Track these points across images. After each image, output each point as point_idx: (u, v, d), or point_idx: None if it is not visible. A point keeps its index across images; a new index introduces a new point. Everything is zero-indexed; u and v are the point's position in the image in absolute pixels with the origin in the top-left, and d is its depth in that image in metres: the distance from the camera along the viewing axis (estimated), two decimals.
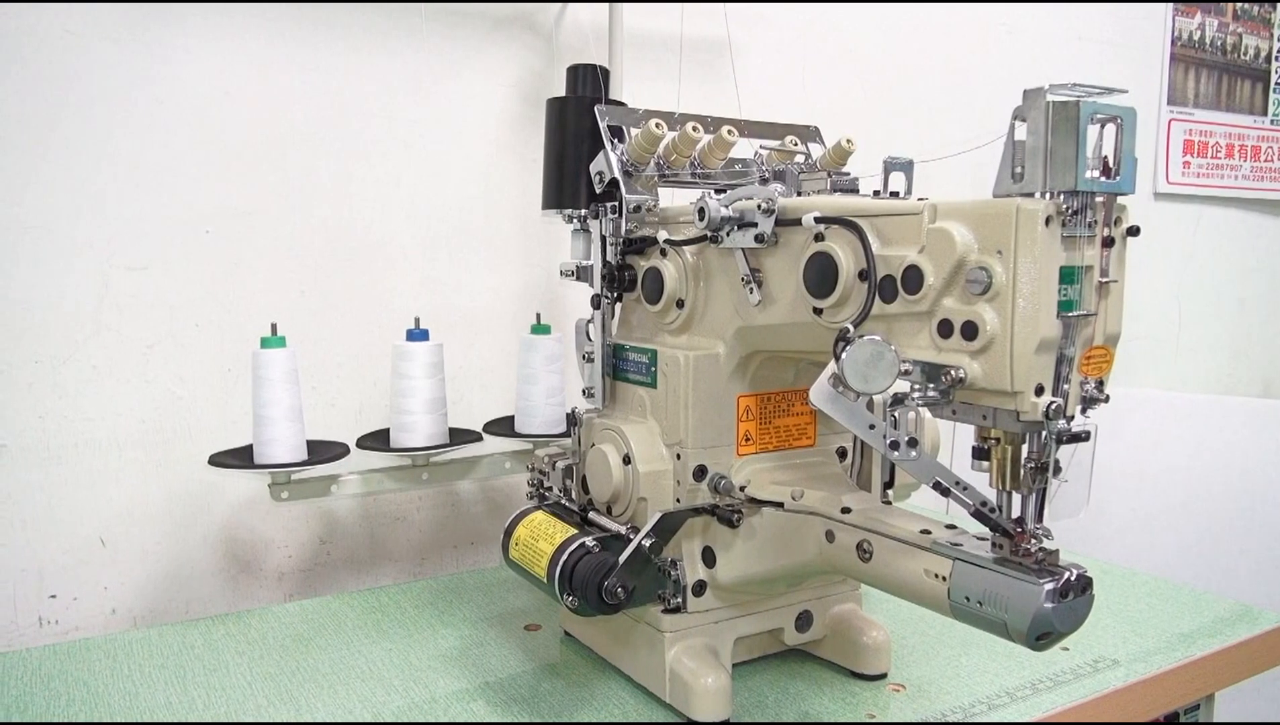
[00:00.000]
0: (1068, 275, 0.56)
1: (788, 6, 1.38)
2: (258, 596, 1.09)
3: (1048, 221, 0.55)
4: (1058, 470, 0.59)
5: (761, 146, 0.85)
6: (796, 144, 0.88)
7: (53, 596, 1.00)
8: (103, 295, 0.99)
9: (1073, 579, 0.58)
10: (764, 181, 0.86)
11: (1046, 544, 0.60)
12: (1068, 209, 0.55)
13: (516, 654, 0.89)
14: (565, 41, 1.20)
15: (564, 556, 0.74)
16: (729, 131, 0.83)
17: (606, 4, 1.17)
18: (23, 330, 0.96)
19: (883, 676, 0.84)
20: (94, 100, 0.97)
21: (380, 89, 1.11)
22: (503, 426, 1.09)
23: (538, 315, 1.08)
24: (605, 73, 0.92)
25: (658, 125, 0.80)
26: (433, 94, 1.14)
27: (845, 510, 0.70)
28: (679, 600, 0.78)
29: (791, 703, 0.79)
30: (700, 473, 0.77)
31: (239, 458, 0.95)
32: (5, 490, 0.97)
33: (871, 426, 0.61)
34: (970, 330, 0.57)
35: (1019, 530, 0.60)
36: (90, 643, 0.90)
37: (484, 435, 1.06)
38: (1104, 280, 0.57)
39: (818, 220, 0.66)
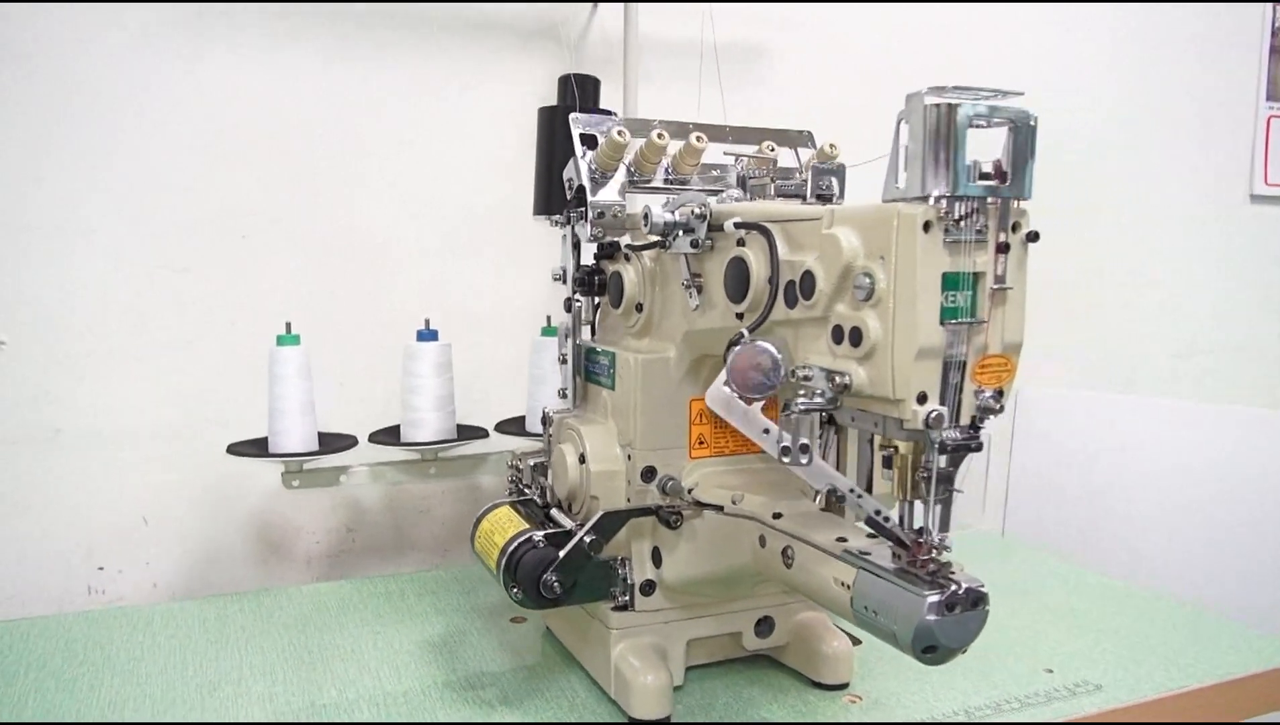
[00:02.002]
0: (952, 281, 0.55)
1: (822, 7, 1.37)
2: (286, 578, 1.17)
3: (926, 227, 0.54)
4: (949, 480, 0.58)
5: (725, 152, 0.86)
6: (773, 149, 0.88)
7: (100, 568, 1.10)
8: (147, 294, 1.08)
9: (960, 593, 0.57)
10: (742, 186, 0.87)
11: (943, 556, 0.59)
12: (949, 214, 0.54)
13: (493, 645, 0.92)
14: (590, 51, 1.23)
15: (511, 549, 0.77)
16: (698, 138, 0.84)
17: (622, 7, 1.19)
18: (77, 325, 1.06)
19: (844, 686, 0.83)
20: (144, 115, 1.06)
21: (405, 98, 1.16)
22: (514, 425, 1.12)
23: (548, 318, 1.12)
24: (595, 82, 0.95)
25: (620, 133, 0.82)
26: (457, 102, 1.18)
27: (776, 516, 0.70)
28: (627, 598, 0.79)
29: (742, 708, 0.80)
30: (649, 474, 0.78)
31: (257, 447, 1.02)
32: (59, 471, 1.07)
33: (766, 431, 0.61)
34: (856, 336, 0.57)
35: (917, 541, 0.59)
36: (130, 610, 0.99)
37: (491, 432, 1.10)
38: (998, 287, 0.56)
39: (736, 225, 0.67)
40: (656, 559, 0.79)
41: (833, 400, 0.58)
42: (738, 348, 0.58)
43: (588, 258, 0.89)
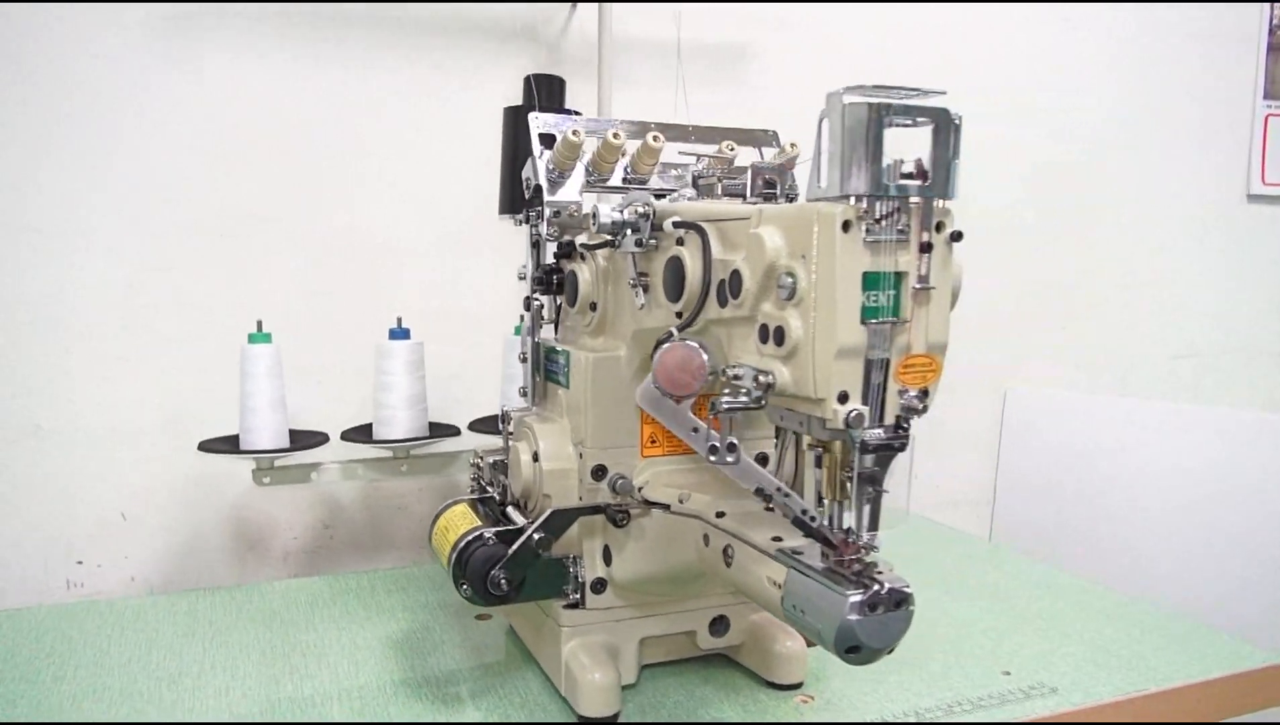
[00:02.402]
0: (873, 281, 0.55)
1: (814, 7, 1.37)
2: (263, 573, 1.18)
3: (846, 226, 0.54)
4: (874, 480, 0.57)
5: (681, 151, 0.86)
6: (732, 149, 0.88)
7: (79, 563, 1.11)
8: (129, 293, 1.10)
9: (883, 593, 0.56)
10: (695, 186, 0.87)
11: (870, 556, 0.59)
12: (869, 213, 0.54)
13: (455, 642, 0.92)
14: (570, 51, 1.24)
15: (462, 546, 0.77)
16: (654, 137, 0.84)
17: (596, 7, 1.20)
18: (59, 322, 1.08)
19: (798, 686, 0.83)
20: (134, 117, 1.08)
21: (388, 98, 1.17)
22: (489, 424, 1.13)
23: (521, 317, 1.12)
24: (560, 82, 0.95)
25: (575, 133, 0.82)
26: (443, 102, 1.19)
27: (720, 514, 0.70)
28: (578, 596, 0.79)
29: (694, 706, 0.80)
30: (600, 472, 0.78)
31: (228, 444, 1.03)
32: (40, 466, 1.09)
33: (695, 429, 0.61)
34: (780, 335, 0.57)
35: (845, 541, 0.59)
36: (102, 604, 1.01)
37: (464, 430, 1.11)
38: (921, 287, 0.56)
39: (675, 225, 0.67)
40: (607, 557, 0.80)
41: (758, 399, 0.58)
42: (664, 346, 0.59)
43: (558, 256, 0.89)
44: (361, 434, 1.08)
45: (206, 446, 1.02)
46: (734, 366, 0.60)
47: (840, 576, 0.58)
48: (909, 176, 0.54)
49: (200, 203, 1.12)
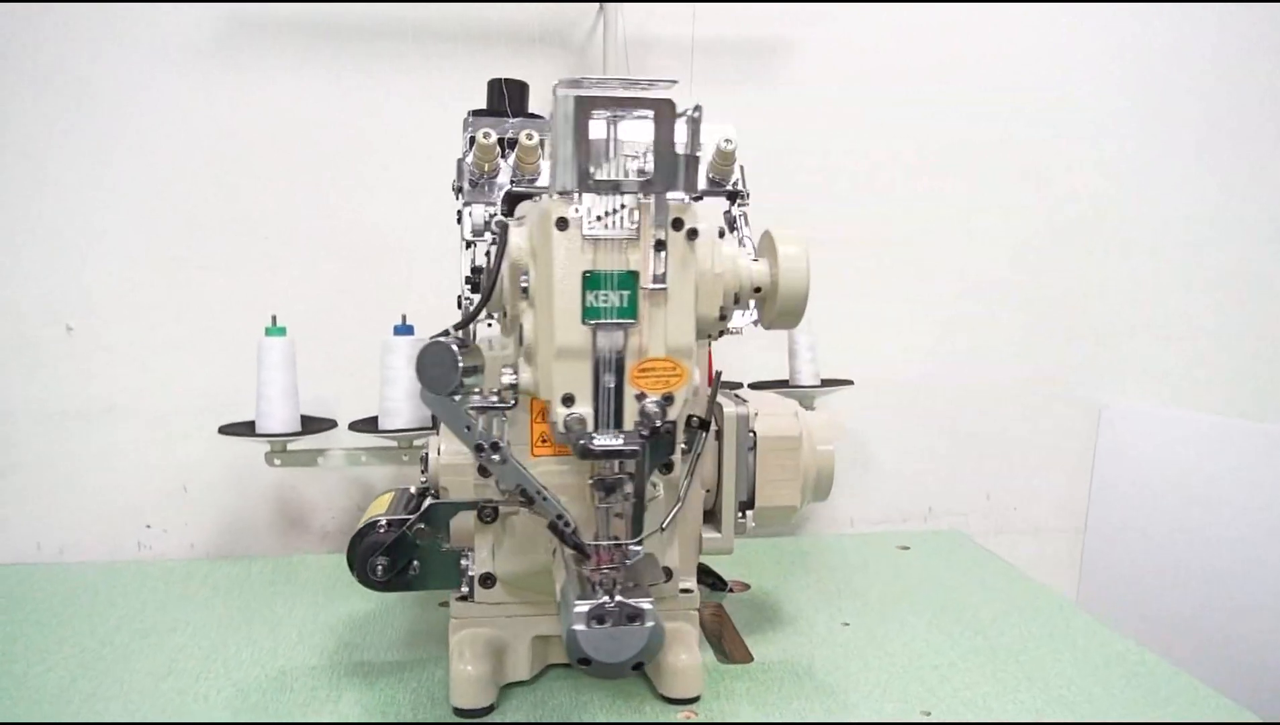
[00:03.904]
0: (595, 280, 0.53)
1: (842, 6, 1.30)
2: (301, 548, 1.28)
3: (563, 224, 0.52)
4: (608, 488, 0.55)
5: None
6: (730, 144, 0.86)
7: (148, 527, 1.26)
8: (187, 290, 1.23)
9: (610, 606, 0.54)
10: None
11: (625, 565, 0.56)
12: (590, 211, 0.52)
13: (403, 625, 0.97)
14: (596, 55, 1.24)
15: (359, 531, 0.81)
16: (528, 135, 0.84)
17: (599, 7, 1.20)
18: (128, 314, 1.23)
19: (693, 700, 0.80)
20: (171, 128, 1.21)
21: (409, 104, 1.24)
22: None
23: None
24: (521, 86, 0.96)
25: (486, 135, 0.83)
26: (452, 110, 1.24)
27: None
28: (468, 589, 0.81)
29: (574, 710, 0.79)
30: (485, 469, 0.80)
31: (247, 428, 1.13)
32: (116, 441, 1.24)
33: (468, 428, 0.61)
34: (520, 334, 0.56)
35: (598, 549, 0.57)
36: (168, 564, 1.15)
37: None
38: (655, 287, 0.53)
39: (498, 225, 0.67)
40: (494, 553, 0.81)
41: (503, 397, 0.57)
42: (424, 345, 0.59)
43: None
44: (368, 425, 1.15)
45: (226, 430, 1.12)
46: (506, 366, 0.60)
47: (590, 585, 0.56)
48: (644, 173, 0.52)
49: (240, 205, 1.23)
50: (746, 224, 0.91)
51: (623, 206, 0.52)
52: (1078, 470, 1.41)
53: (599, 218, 0.52)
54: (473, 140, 0.87)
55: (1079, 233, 1.38)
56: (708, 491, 0.86)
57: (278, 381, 1.11)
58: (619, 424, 0.54)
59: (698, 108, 0.53)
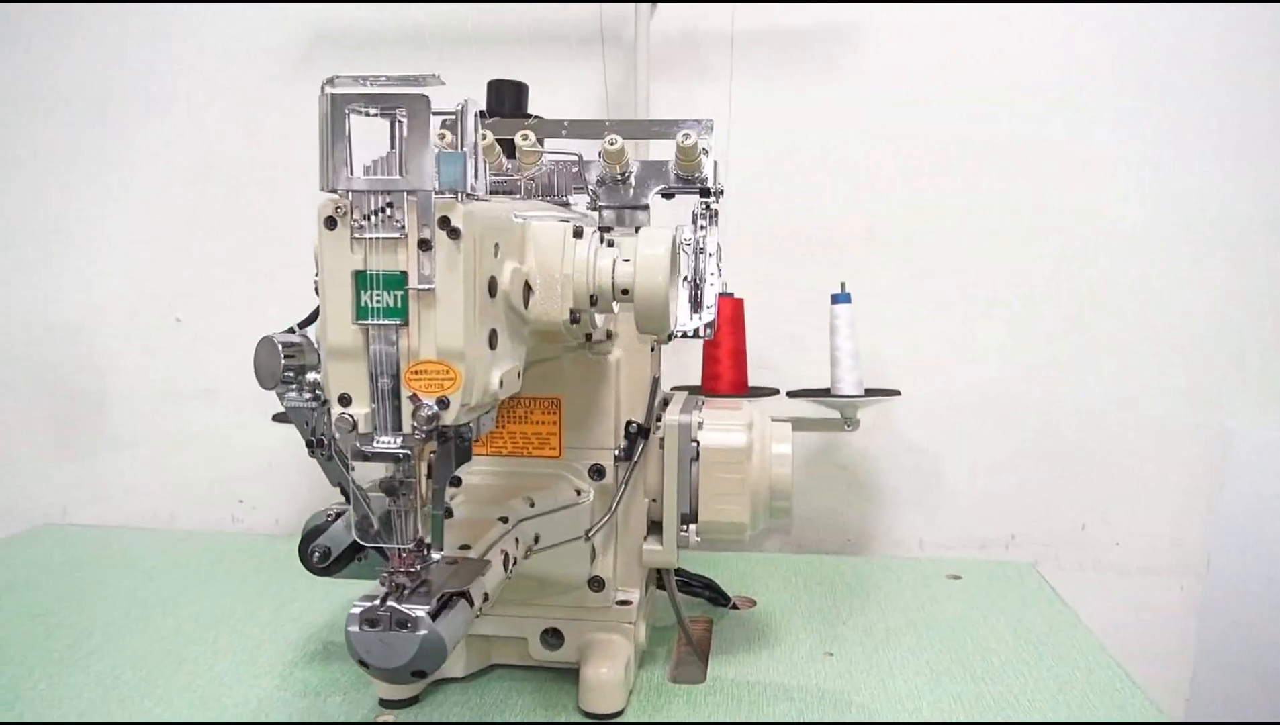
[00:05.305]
0: (364, 280, 0.52)
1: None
2: None
3: (330, 223, 0.52)
4: (393, 490, 0.54)
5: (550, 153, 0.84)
6: (614, 143, 0.83)
7: (240, 501, 1.38)
8: (273, 287, 1.33)
9: (380, 610, 0.53)
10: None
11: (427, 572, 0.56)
12: (355, 209, 0.51)
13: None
14: (652, 52, 1.22)
15: (313, 516, 0.85)
16: (523, 136, 0.84)
17: (671, 6, 1.17)
18: (221, 307, 1.35)
19: (616, 715, 0.77)
20: (259, 139, 1.31)
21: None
22: None
23: None
24: (516, 86, 0.96)
25: (441, 136, 0.84)
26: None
27: (503, 519, 0.70)
28: None
29: (492, 712, 0.78)
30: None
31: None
32: (215, 421, 1.37)
33: (307, 423, 0.62)
34: None
35: (399, 552, 0.57)
36: (255, 538, 1.26)
37: None
38: (421, 287, 0.52)
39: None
40: None
41: (312, 398, 0.58)
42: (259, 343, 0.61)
43: None
44: None
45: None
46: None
47: (395, 588, 0.56)
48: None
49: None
50: (714, 222, 0.86)
51: (389, 206, 0.51)
52: (1196, 504, 1.22)
53: (367, 217, 0.51)
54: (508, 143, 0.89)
55: (1203, 228, 1.19)
56: (653, 502, 0.83)
57: None
58: (397, 426, 0.53)
59: (467, 103, 0.51)
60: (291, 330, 0.63)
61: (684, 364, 1.19)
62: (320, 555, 0.80)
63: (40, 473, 1.42)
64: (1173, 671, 1.23)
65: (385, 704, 0.79)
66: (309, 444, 0.61)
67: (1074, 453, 1.23)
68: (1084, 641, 0.92)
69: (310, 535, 0.81)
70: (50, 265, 1.38)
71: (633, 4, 1.16)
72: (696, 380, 1.15)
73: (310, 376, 0.59)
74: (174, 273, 1.36)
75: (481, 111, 0.97)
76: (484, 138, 0.84)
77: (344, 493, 0.61)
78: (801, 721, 0.76)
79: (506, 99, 0.98)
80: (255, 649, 0.91)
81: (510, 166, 0.86)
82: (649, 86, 1.16)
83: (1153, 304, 1.20)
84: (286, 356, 0.60)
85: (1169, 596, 1.23)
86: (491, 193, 0.79)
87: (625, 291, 0.63)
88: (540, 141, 0.89)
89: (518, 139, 0.84)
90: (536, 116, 1.00)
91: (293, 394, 0.59)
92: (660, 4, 1.21)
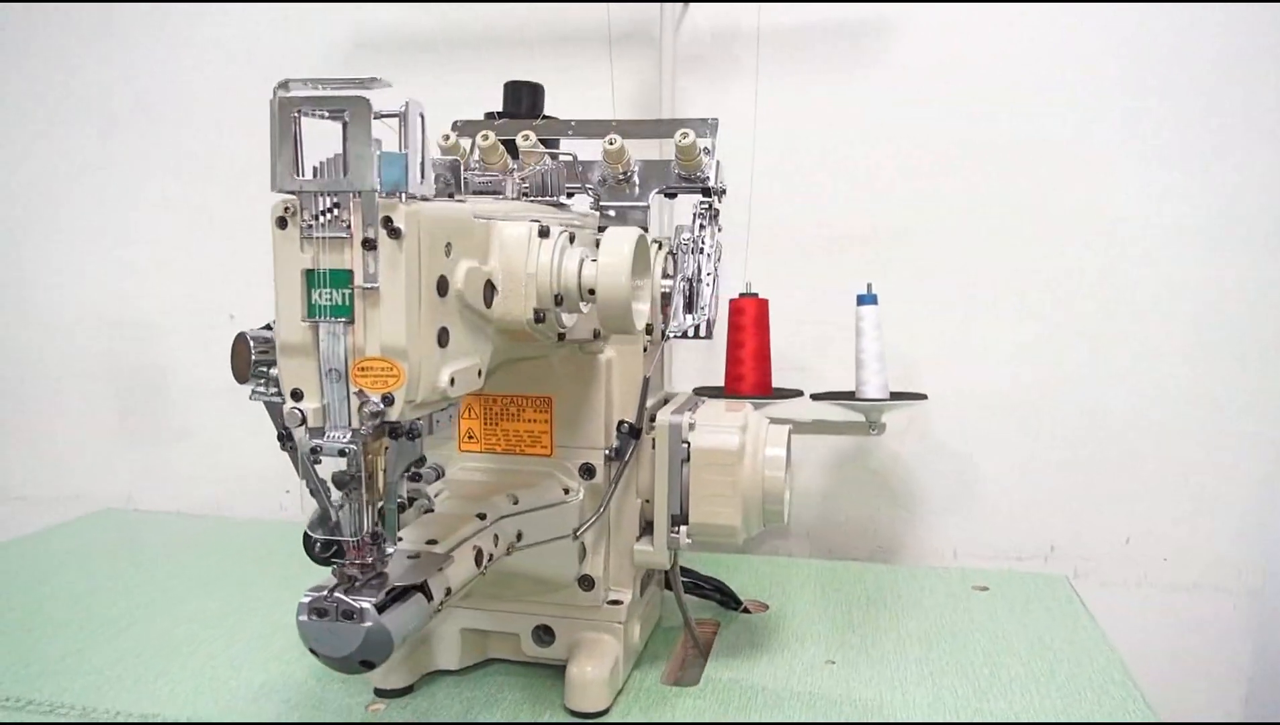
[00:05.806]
0: (313, 278, 0.54)
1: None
2: None
3: (282, 222, 0.54)
4: (343, 484, 0.56)
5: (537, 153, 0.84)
6: (613, 143, 0.84)
7: (287, 492, 1.43)
8: None
9: (327, 599, 0.55)
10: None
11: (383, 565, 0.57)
12: (301, 207, 0.53)
13: None
14: (683, 50, 1.22)
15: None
16: (524, 137, 0.84)
17: (706, 6, 1.16)
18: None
19: (601, 713, 0.77)
20: None
21: None
22: None
23: None
24: (531, 87, 0.97)
25: (445, 137, 0.86)
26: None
27: (481, 515, 0.71)
28: None
29: (480, 709, 0.79)
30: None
31: None
32: (266, 416, 1.42)
33: (276, 418, 0.64)
34: None
35: (356, 544, 0.58)
36: (296, 526, 1.30)
37: None
38: (365, 286, 0.53)
39: None
40: None
41: (273, 394, 0.60)
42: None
43: None
44: None
45: None
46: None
47: (347, 579, 0.58)
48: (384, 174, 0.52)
49: None
50: (714, 221, 0.86)
51: (336, 206, 0.52)
52: (1252, 517, 1.15)
53: (316, 217, 0.52)
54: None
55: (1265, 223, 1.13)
56: (646, 502, 0.83)
57: None
58: (346, 421, 0.54)
59: (415, 105, 0.52)
60: (267, 326, 0.65)
61: (710, 366, 1.19)
62: (322, 545, 0.83)
63: (107, 461, 1.50)
64: (1225, 695, 1.17)
65: (380, 693, 0.81)
66: (279, 438, 0.63)
67: (1118, 460, 1.17)
68: (1104, 659, 0.88)
69: (312, 526, 0.83)
70: (119, 266, 1.46)
71: (659, 4, 1.16)
72: (721, 381, 1.14)
73: (274, 371, 0.61)
74: (230, 273, 1.41)
75: (493, 112, 1.00)
76: (486, 138, 0.85)
77: (309, 487, 0.63)
78: (785, 722, 0.75)
79: (523, 100, 0.99)
80: (270, 635, 0.94)
81: (515, 166, 0.87)
82: (674, 85, 1.15)
83: (1209, 306, 1.14)
84: (259, 352, 0.61)
85: (1222, 616, 1.17)
86: (479, 192, 0.80)
87: (592, 291, 0.64)
88: (550, 143, 0.90)
89: (519, 139, 0.85)
90: (550, 117, 1.01)
91: (261, 388, 0.61)
92: (692, 3, 1.20)
